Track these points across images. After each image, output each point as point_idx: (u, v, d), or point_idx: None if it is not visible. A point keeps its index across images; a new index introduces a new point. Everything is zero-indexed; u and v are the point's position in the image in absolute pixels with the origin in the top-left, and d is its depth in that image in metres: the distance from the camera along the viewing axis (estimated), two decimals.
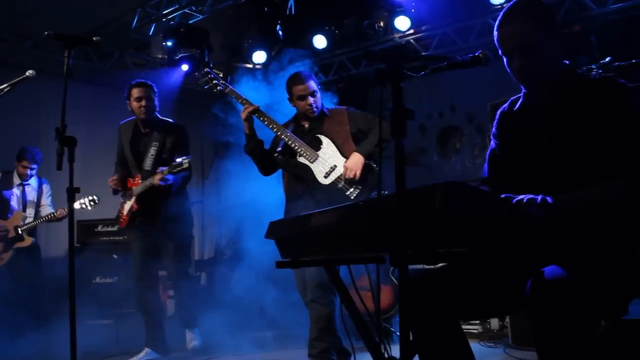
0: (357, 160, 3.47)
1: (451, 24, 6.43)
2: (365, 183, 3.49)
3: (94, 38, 2.89)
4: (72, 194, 2.71)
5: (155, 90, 4.45)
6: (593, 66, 4.88)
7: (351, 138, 3.61)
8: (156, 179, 4.13)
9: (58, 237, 6.41)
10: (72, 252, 2.64)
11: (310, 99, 3.62)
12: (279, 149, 3.69)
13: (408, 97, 1.57)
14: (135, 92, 4.35)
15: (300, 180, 3.61)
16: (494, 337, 4.52)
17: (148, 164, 4.34)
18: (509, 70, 1.99)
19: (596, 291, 1.64)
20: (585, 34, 5.60)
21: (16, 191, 5.68)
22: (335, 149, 3.59)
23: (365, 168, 3.48)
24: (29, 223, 5.56)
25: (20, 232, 5.52)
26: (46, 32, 2.76)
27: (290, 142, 3.60)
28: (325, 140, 3.62)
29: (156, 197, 4.30)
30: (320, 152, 3.58)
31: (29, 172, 5.67)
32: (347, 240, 1.84)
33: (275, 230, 2.33)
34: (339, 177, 3.52)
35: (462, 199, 1.53)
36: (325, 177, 3.54)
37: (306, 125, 3.73)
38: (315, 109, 3.65)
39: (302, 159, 3.59)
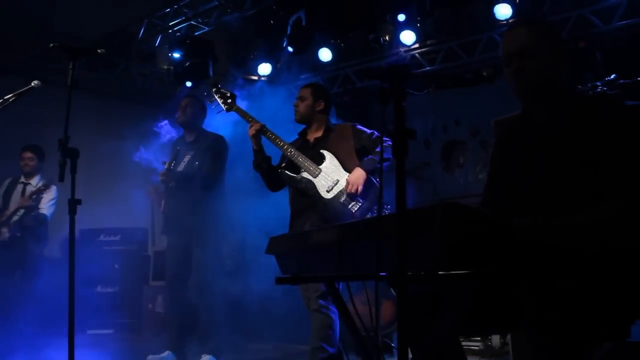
0: (359, 175, 3.48)
1: (457, 39, 6.43)
2: (366, 198, 3.50)
3: (99, 50, 2.90)
4: (74, 205, 2.70)
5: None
6: (598, 83, 4.87)
7: (355, 153, 3.63)
8: None
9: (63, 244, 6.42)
10: (72, 263, 2.63)
11: (296, 103, 3.79)
12: (283, 164, 3.74)
13: (413, 110, 1.57)
14: None
15: (304, 195, 3.62)
16: (495, 355, 4.47)
17: None
18: (507, 79, 1.98)
19: (596, 314, 1.63)
20: (590, 51, 5.59)
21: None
22: (337, 163, 3.60)
23: (368, 183, 3.48)
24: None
25: None
26: (52, 44, 2.77)
27: (293, 157, 3.61)
28: (328, 155, 3.64)
29: None
30: (322, 167, 3.60)
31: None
32: (347, 257, 1.84)
33: (275, 246, 2.33)
34: (341, 191, 3.52)
35: (463, 220, 1.53)
36: (328, 191, 3.54)
37: (311, 141, 3.76)
38: (296, 113, 3.78)
39: (305, 174, 3.61)
